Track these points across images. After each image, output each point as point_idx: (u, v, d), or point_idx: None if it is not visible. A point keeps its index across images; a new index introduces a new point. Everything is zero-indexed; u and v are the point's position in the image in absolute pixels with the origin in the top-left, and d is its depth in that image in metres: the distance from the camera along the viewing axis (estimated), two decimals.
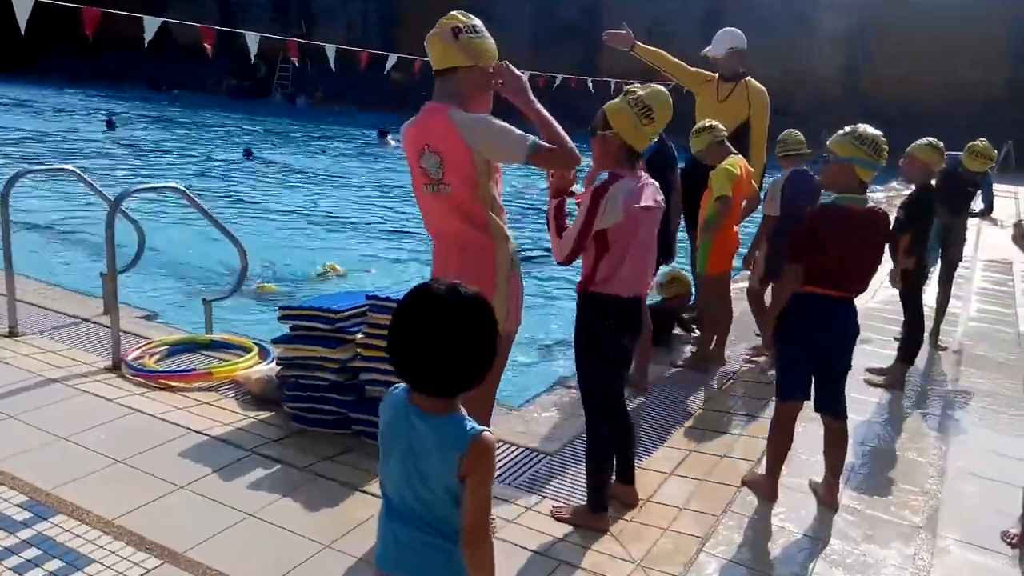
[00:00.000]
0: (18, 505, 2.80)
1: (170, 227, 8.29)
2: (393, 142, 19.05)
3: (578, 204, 3.18)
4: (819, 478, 3.28)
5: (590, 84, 15.14)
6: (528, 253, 8.08)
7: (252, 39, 9.87)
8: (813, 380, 3.16)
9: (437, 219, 2.73)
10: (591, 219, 2.77)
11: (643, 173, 2.97)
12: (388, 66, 12.05)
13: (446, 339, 1.48)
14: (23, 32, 7.38)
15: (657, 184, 3.01)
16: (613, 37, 5.49)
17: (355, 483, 3.13)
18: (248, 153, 16.58)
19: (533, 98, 2.65)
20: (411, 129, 2.68)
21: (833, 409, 3.18)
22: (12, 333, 4.53)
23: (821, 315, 3.06)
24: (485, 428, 1.55)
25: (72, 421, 3.48)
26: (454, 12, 2.65)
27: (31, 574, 2.44)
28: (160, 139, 18.55)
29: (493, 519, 2.87)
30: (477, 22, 2.65)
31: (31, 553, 2.54)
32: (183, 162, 15.32)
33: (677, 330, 5.41)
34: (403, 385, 1.60)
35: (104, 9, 8.11)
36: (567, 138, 2.59)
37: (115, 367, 4.15)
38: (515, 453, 3.57)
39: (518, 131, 2.55)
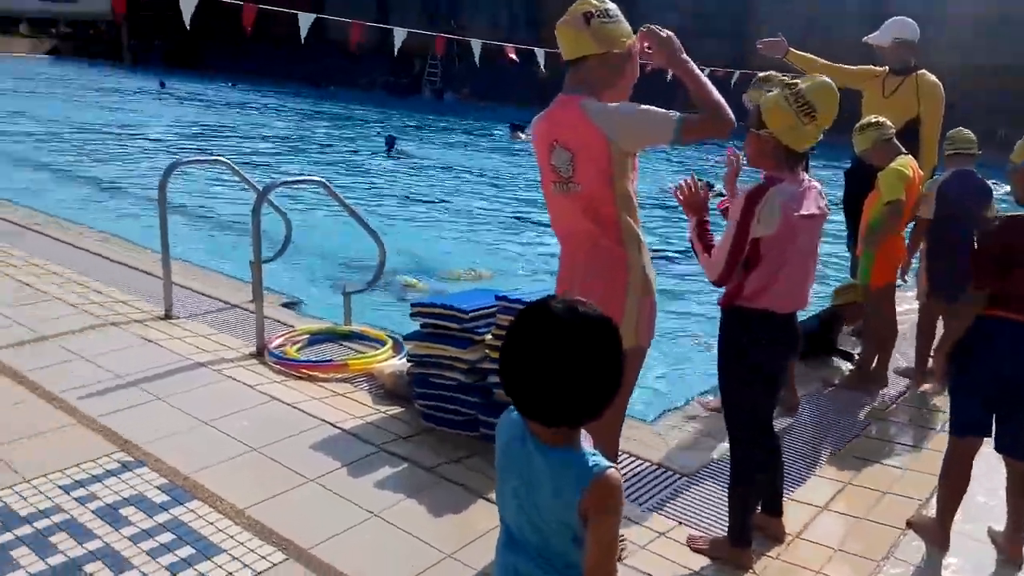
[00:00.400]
0: (158, 487, 2.89)
1: (317, 218, 8.56)
2: (523, 135, 19.02)
3: (720, 209, 2.93)
4: (1000, 526, 2.87)
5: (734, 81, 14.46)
6: (658, 250, 7.72)
7: (399, 35, 10.08)
8: (994, 415, 2.76)
9: (565, 221, 2.54)
10: (745, 229, 2.48)
11: (806, 175, 2.68)
12: (540, 60, 11.99)
13: (563, 366, 1.30)
14: (188, 28, 7.87)
15: (821, 187, 2.70)
16: (768, 46, 5.19)
17: (480, 489, 3.03)
18: (391, 144, 16.94)
19: (687, 57, 2.43)
20: (540, 123, 2.51)
21: (1019, 450, 2.76)
22: (167, 315, 4.77)
23: (1010, 344, 2.65)
24: (611, 465, 1.36)
25: (215, 406, 3.58)
26: None
27: (164, 559, 2.49)
28: (310, 133, 19.42)
29: (623, 541, 2.68)
30: (611, 6, 2.44)
31: (166, 537, 2.60)
32: (330, 155, 15.95)
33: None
34: None
35: (261, 6, 8.51)
36: (722, 101, 2.35)
37: (259, 353, 4.27)
38: (647, 470, 3.35)
39: (659, 109, 2.35)
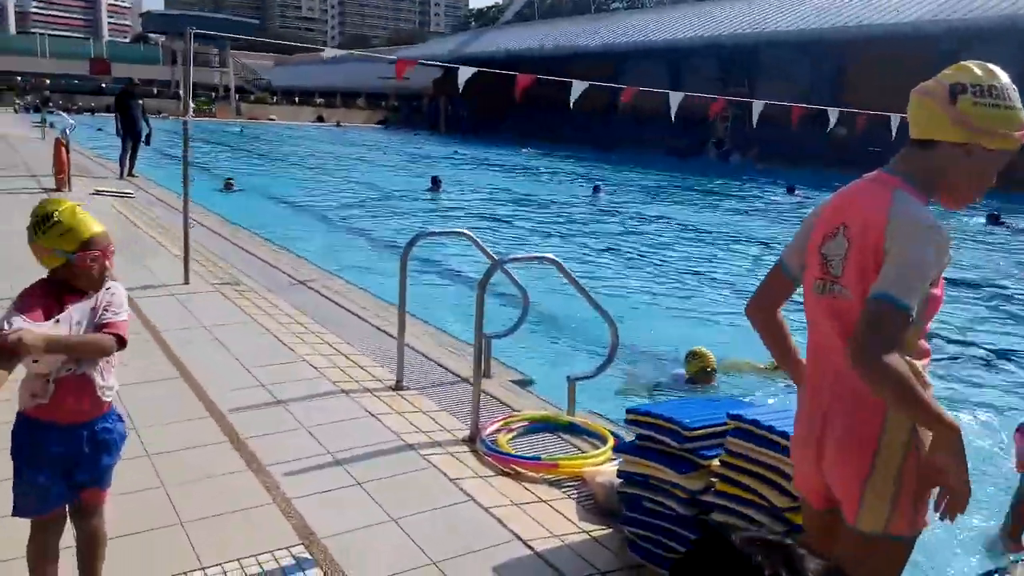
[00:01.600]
0: None
1: (552, 291, 8.22)
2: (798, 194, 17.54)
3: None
4: None
5: None
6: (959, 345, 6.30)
7: (675, 99, 9.67)
8: None
9: (819, 331, 1.91)
10: None
11: None
12: (832, 122, 10.97)
13: None
14: (460, 90, 8.22)
15: None
16: None
17: None
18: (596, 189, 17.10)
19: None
20: (835, 198, 1.93)
21: None
22: (398, 386, 4.71)
23: None
24: None
25: (410, 500, 3.32)
26: (968, 61, 1.80)
27: None
28: (575, 196, 19.62)
29: None
30: (1001, 81, 1.76)
31: None
32: (595, 216, 15.87)
33: None
34: None
35: (535, 75, 8.59)
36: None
37: (471, 439, 4.00)
38: None
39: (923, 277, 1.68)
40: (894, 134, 10.57)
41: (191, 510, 3.14)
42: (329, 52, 7.23)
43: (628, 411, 3.20)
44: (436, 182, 19.00)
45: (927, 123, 1.77)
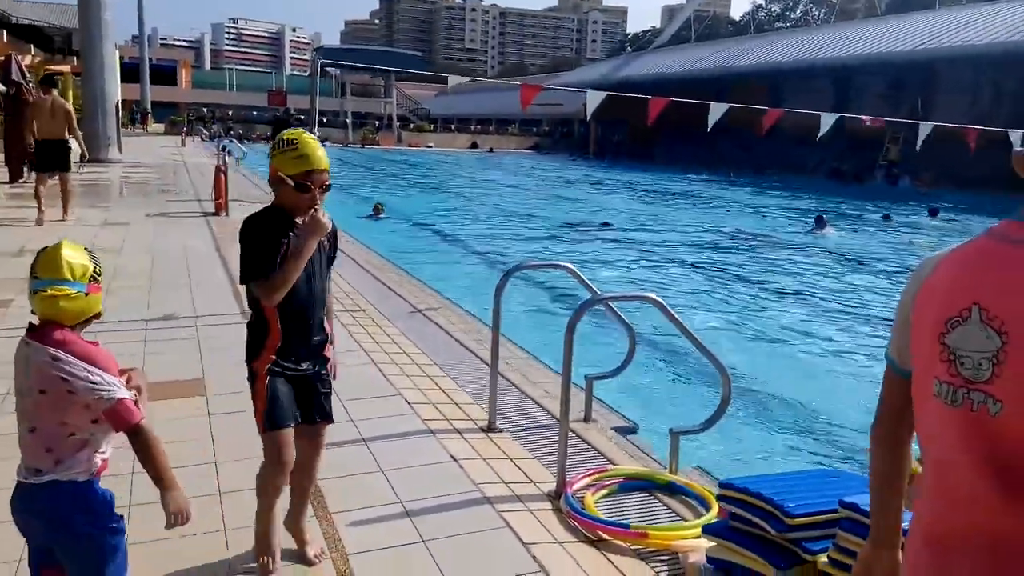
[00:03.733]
0: None
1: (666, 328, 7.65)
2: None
3: None
4: None
5: None
6: None
7: (827, 120, 8.90)
8: None
9: (948, 460, 1.29)
10: None
11: None
12: (1017, 143, 9.84)
13: None
14: (588, 116, 7.92)
15: None
16: None
17: None
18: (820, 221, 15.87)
19: None
20: (950, 266, 1.34)
21: None
22: (489, 428, 4.42)
23: None
24: None
25: (473, 567, 3.01)
26: None
27: None
28: (722, 220, 18.67)
29: None
30: None
31: None
32: (731, 246, 14.98)
33: None
34: None
35: (673, 98, 8.14)
36: None
37: (556, 495, 3.63)
38: None
39: None
40: None
41: (248, 556, 2.98)
42: (453, 80, 7.16)
43: (721, 485, 2.74)
44: (606, 224, 17.23)
45: None
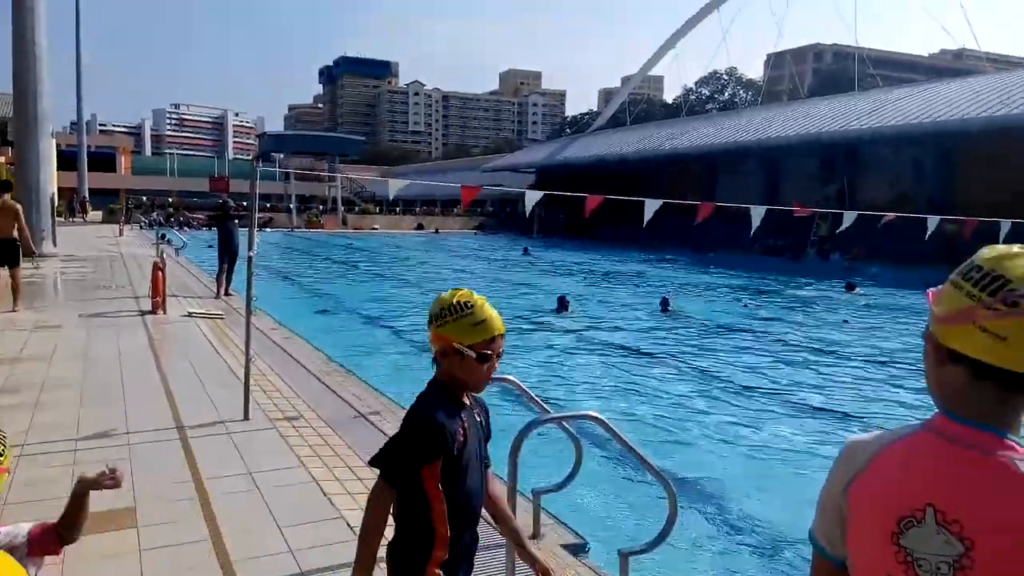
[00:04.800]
0: None
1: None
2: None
3: None
4: None
5: None
6: None
7: (756, 212, 9.24)
8: None
9: None
10: None
11: None
12: (930, 229, 10.38)
13: None
14: (527, 215, 8.06)
15: None
16: None
17: None
18: (664, 304, 16.43)
19: None
20: (893, 462, 1.34)
21: None
22: None
23: None
24: None
25: None
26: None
27: None
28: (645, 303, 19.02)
29: None
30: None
31: None
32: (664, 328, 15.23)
33: None
34: None
35: (608, 196, 8.37)
36: None
37: None
38: None
39: None
40: (1002, 234, 9.84)
41: None
42: (393, 184, 7.23)
43: None
44: (563, 303, 17.02)
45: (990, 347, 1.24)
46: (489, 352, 2.28)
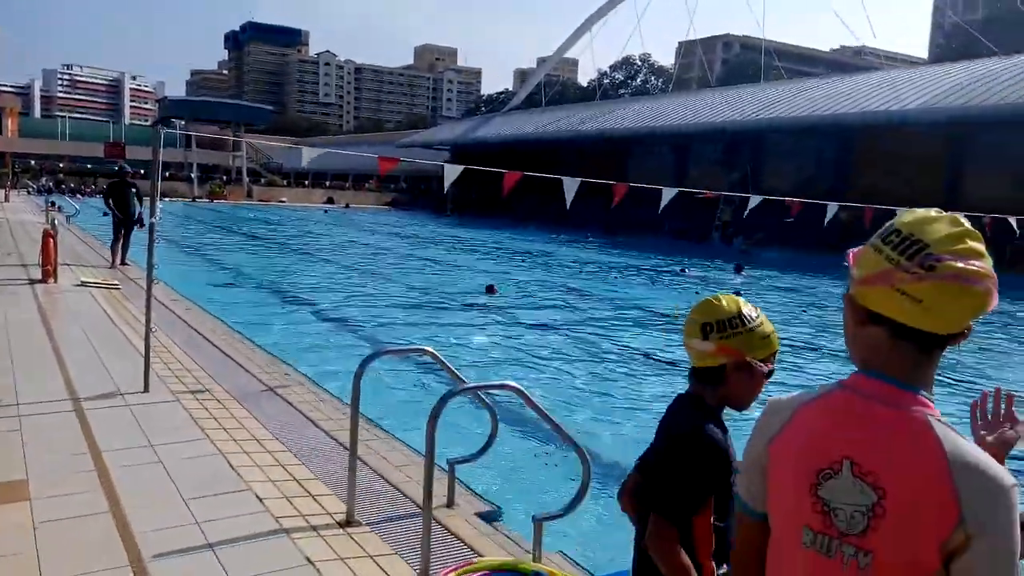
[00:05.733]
0: None
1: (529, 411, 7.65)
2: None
3: None
4: None
5: None
6: None
7: (667, 194, 9.44)
8: None
9: None
10: None
11: None
12: (829, 215, 10.82)
13: None
14: (445, 191, 8.02)
15: None
16: None
17: None
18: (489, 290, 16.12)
19: None
20: (813, 418, 1.41)
21: None
22: (348, 522, 4.25)
23: None
24: None
25: None
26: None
27: None
28: (555, 279, 19.33)
29: None
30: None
31: None
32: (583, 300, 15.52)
33: None
34: None
35: (527, 172, 8.37)
36: None
37: None
38: None
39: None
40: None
41: None
42: (307, 152, 6.99)
43: None
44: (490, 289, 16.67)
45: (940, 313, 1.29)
46: (773, 368, 2.04)
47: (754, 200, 10.55)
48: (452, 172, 7.73)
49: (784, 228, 29.79)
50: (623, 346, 11.50)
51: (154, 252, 6.62)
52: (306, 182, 72.95)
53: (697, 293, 18.22)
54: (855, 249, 1.43)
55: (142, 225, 15.13)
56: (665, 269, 24.16)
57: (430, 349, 4.63)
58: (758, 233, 33.25)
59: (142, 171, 41.62)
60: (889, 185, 29.09)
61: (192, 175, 60.27)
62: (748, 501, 1.52)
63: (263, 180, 70.75)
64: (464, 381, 4.60)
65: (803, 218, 24.46)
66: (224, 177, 67.99)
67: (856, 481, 1.30)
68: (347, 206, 63.24)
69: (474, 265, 21.95)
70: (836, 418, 1.37)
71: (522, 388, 3.88)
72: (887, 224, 1.38)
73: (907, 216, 1.37)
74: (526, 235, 36.87)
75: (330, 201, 65.11)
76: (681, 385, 2.19)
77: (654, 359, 10.57)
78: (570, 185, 8.41)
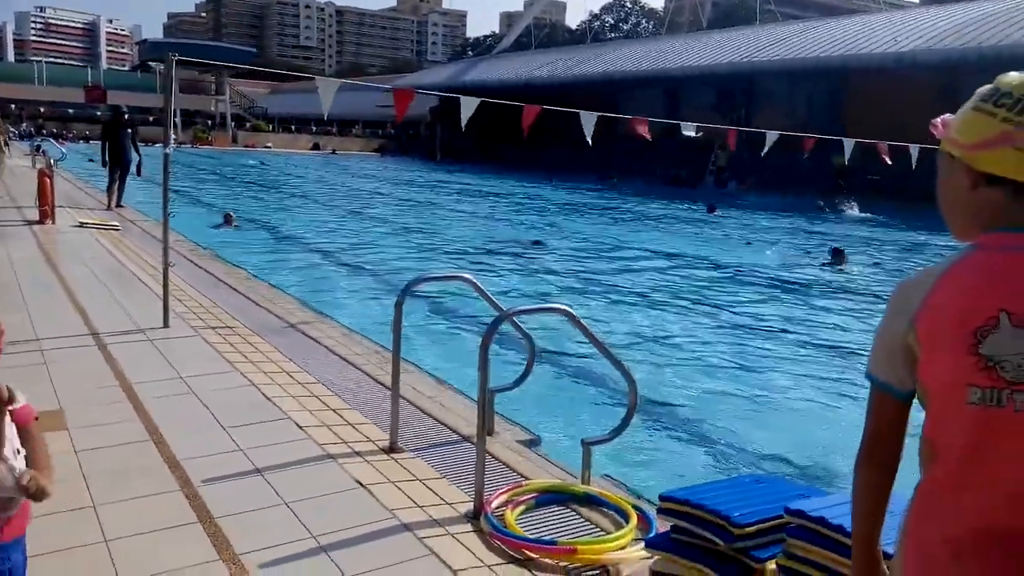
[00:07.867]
0: None
1: (566, 342, 7.66)
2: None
3: None
4: None
5: None
6: None
7: (686, 128, 9.31)
8: None
9: (985, 458, 1.35)
10: None
11: None
12: (847, 152, 10.70)
13: None
14: (463, 127, 7.83)
15: None
16: None
17: None
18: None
19: None
20: (960, 281, 1.39)
21: None
22: (392, 448, 4.24)
23: None
24: None
25: None
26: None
27: None
28: (548, 225, 19.25)
29: None
30: None
31: None
32: (575, 253, 15.49)
33: None
34: None
35: (545, 106, 8.20)
36: None
37: (475, 515, 3.52)
38: None
39: None
40: (890, 162, 10.37)
41: None
42: (325, 90, 6.76)
43: (662, 498, 2.75)
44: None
45: None
46: None
47: (771, 137, 10.37)
48: (469, 105, 7.53)
49: (777, 172, 29.68)
50: (630, 287, 11.49)
51: (169, 181, 6.48)
52: (292, 127, 71.67)
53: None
54: (943, 117, 1.47)
55: (139, 173, 14.89)
56: (682, 210, 24.33)
57: (468, 276, 4.58)
58: (749, 176, 33.16)
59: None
60: (885, 128, 28.93)
61: (176, 120, 59.11)
62: (892, 383, 1.50)
63: (248, 125, 69.47)
64: (501, 308, 4.54)
65: (792, 161, 24.27)
66: (208, 122, 66.72)
67: (1016, 330, 1.31)
68: (334, 152, 62.37)
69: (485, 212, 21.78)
70: (982, 277, 1.37)
71: (573, 311, 3.84)
72: (988, 89, 1.40)
73: (1013, 78, 1.39)
74: (525, 181, 36.54)
75: (316, 147, 64.16)
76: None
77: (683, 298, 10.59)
78: (587, 119, 8.24)
